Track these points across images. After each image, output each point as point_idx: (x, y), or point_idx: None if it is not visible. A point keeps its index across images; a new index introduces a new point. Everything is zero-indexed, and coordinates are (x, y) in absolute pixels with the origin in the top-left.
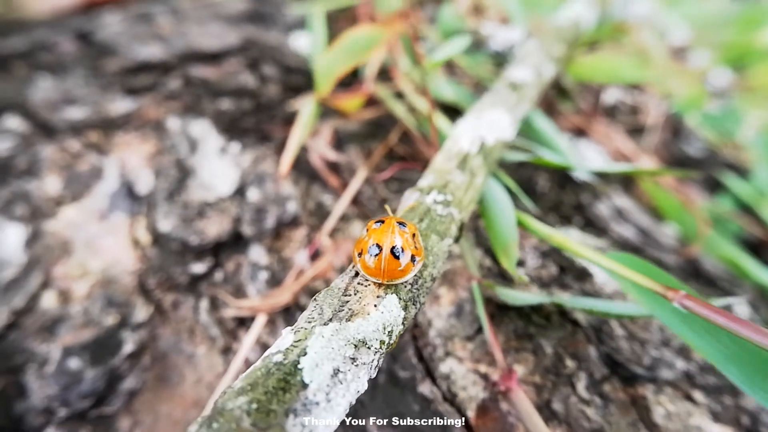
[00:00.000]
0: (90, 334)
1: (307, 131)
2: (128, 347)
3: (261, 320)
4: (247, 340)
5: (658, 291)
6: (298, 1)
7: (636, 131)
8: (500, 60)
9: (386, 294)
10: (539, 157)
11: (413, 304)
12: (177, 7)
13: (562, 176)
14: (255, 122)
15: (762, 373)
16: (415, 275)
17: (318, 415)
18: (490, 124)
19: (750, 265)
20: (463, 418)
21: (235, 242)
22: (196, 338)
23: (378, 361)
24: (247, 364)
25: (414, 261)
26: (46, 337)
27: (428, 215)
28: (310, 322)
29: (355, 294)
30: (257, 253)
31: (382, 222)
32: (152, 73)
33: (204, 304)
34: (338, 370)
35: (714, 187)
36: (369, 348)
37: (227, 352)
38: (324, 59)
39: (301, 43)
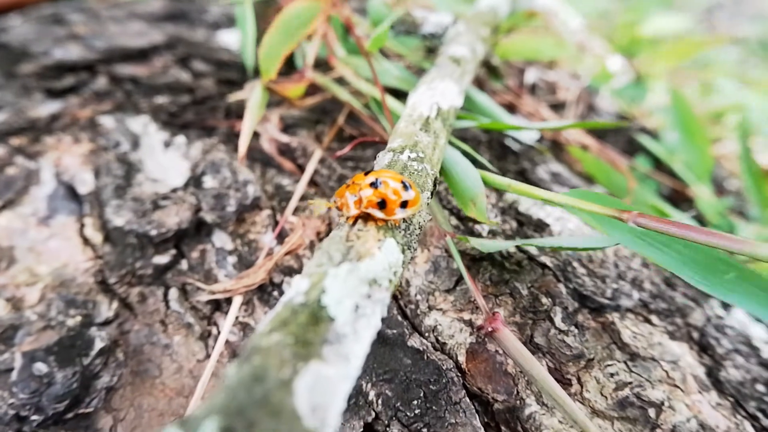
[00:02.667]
0: (52, 336)
1: (258, 115)
2: (98, 345)
3: (237, 301)
4: (227, 322)
5: (614, 215)
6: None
7: (555, 107)
8: (435, 42)
9: (385, 238)
10: (494, 120)
11: (408, 249)
12: (86, 7)
13: (500, 147)
14: (196, 116)
15: (713, 269)
16: (406, 220)
17: (347, 344)
18: (442, 92)
19: (672, 212)
20: (454, 364)
21: (196, 230)
22: (170, 328)
23: (388, 298)
24: (230, 346)
25: (406, 206)
26: (4, 346)
27: (406, 170)
28: (320, 266)
29: (357, 239)
30: (222, 239)
31: (370, 171)
32: (74, 73)
33: (173, 293)
34: (358, 306)
35: (630, 152)
36: (380, 286)
37: (206, 336)
38: (267, 41)
39: (229, 39)
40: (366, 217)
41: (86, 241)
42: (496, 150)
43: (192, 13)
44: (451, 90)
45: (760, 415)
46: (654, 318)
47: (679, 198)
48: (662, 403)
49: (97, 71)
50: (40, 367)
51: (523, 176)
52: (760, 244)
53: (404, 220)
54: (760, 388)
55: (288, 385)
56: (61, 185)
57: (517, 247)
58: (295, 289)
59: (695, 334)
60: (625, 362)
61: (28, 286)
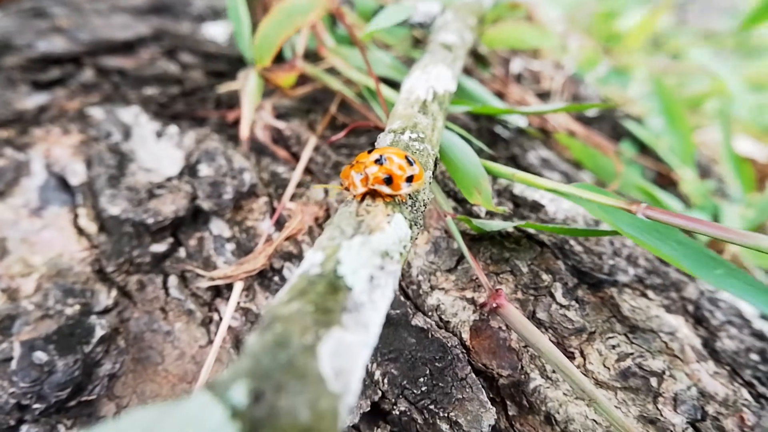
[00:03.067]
0: (51, 325)
1: (256, 100)
2: (98, 332)
3: (239, 287)
4: (229, 308)
5: (622, 207)
6: None
7: (541, 95)
8: (424, 31)
9: (393, 213)
10: (485, 105)
11: (415, 224)
12: (67, 0)
13: (489, 134)
14: (186, 106)
15: (704, 264)
16: (412, 196)
17: (365, 312)
18: (436, 77)
19: (660, 194)
20: (459, 341)
21: (193, 218)
22: (170, 315)
23: (399, 271)
24: (232, 331)
25: (411, 180)
26: (1, 336)
27: (408, 150)
28: (333, 239)
29: (367, 214)
30: (219, 226)
31: (374, 149)
32: (60, 66)
33: (173, 280)
34: (372, 276)
35: (615, 138)
36: (392, 258)
37: (207, 323)
38: (263, 29)
39: (215, 31)
40: (374, 194)
41: (80, 231)
42: (486, 137)
43: (176, 6)
44: (444, 75)
45: (755, 382)
46: (650, 293)
47: (664, 181)
48: (663, 373)
49: (83, 63)
50: (40, 356)
51: (515, 162)
52: (762, 237)
53: (410, 196)
54: (754, 357)
55: (312, 350)
56: (52, 176)
57: (516, 227)
58: (310, 261)
59: (690, 307)
60: (626, 334)
61: (22, 277)
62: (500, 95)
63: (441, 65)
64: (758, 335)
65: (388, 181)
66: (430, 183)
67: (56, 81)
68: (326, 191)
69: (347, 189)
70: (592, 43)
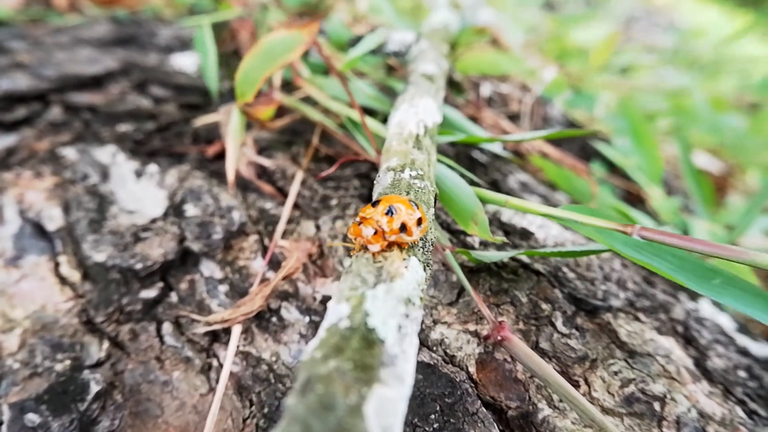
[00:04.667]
0: (41, 384)
1: (240, 138)
2: (93, 388)
3: (237, 330)
4: (229, 353)
5: (618, 229)
6: (167, 23)
7: (511, 118)
8: (399, 60)
9: (409, 257)
10: (470, 135)
11: (427, 266)
12: (25, 34)
13: (467, 159)
14: (162, 142)
15: (702, 275)
16: (422, 238)
17: (400, 364)
18: (424, 109)
19: (633, 213)
20: (467, 375)
21: (182, 261)
22: (167, 364)
23: (421, 316)
24: (233, 377)
25: (420, 223)
26: None
27: (411, 189)
28: (355, 288)
29: (385, 260)
30: (210, 268)
31: (378, 201)
32: (25, 104)
33: (167, 327)
34: (400, 326)
35: (584, 158)
36: (414, 304)
37: (206, 369)
38: (246, 65)
39: (184, 62)
40: (390, 245)
41: (63, 280)
42: (464, 162)
43: (142, 37)
44: (431, 107)
45: (746, 399)
46: (641, 315)
47: (633, 199)
48: (665, 396)
49: (50, 101)
50: (33, 418)
51: (496, 187)
52: (758, 254)
53: (421, 238)
54: (742, 373)
55: (358, 411)
56: (26, 223)
57: (511, 257)
58: (336, 313)
59: (679, 328)
60: (625, 360)
61: (4, 333)
62: (474, 119)
63: (426, 97)
64: (742, 352)
65: (403, 228)
66: (432, 220)
67: (22, 120)
68: (317, 227)
69: (365, 248)
70: (558, 68)
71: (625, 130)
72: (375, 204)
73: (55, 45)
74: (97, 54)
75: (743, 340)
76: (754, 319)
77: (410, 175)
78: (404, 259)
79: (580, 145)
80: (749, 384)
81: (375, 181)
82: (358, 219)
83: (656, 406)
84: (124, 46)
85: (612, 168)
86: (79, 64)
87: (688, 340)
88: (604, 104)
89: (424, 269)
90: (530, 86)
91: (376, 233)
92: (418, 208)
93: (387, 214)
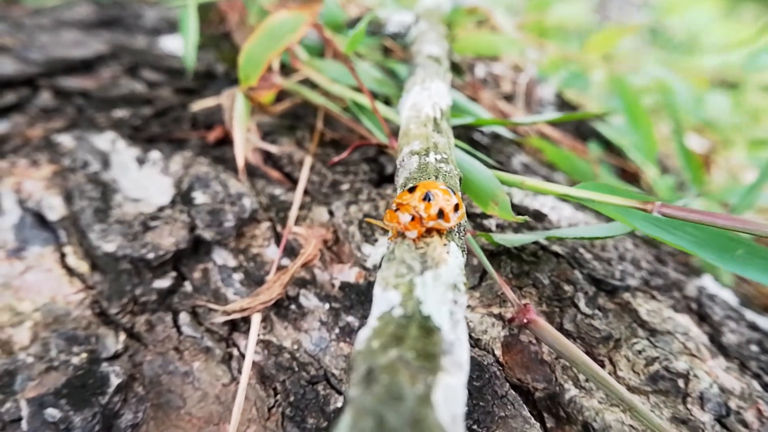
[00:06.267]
0: (59, 378)
1: (246, 124)
2: (114, 381)
3: (257, 319)
4: (250, 342)
5: (637, 207)
6: (152, 4)
7: (505, 98)
8: (398, 42)
9: (449, 242)
10: (479, 118)
11: (464, 251)
12: (2, 14)
13: (469, 141)
14: (161, 128)
15: (724, 247)
16: (458, 224)
17: (457, 351)
18: (436, 92)
19: (634, 192)
20: (494, 359)
21: (194, 250)
22: (186, 354)
23: (466, 301)
24: (255, 366)
25: (457, 209)
26: (3, 395)
27: (439, 173)
28: (402, 276)
29: (427, 246)
30: (222, 256)
31: (414, 188)
32: (13, 89)
33: (184, 317)
34: (452, 312)
35: (580, 137)
36: (459, 290)
37: (227, 359)
38: (249, 48)
39: (175, 45)
40: (428, 231)
41: (71, 271)
42: (466, 144)
43: (127, 19)
44: (442, 89)
45: (761, 372)
46: (657, 294)
47: (628, 177)
48: (688, 373)
49: (39, 86)
50: (53, 413)
51: (503, 169)
52: None
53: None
54: (754, 348)
55: (427, 400)
56: (27, 213)
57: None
58: (387, 301)
59: (693, 305)
60: (648, 338)
61: (13, 327)
62: (473, 101)
63: (437, 79)
64: (752, 326)
65: (441, 214)
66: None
67: (12, 107)
68: (330, 212)
69: (401, 234)
70: (549, 49)
71: (619, 109)
72: (411, 190)
73: (37, 27)
74: (82, 36)
75: (750, 315)
76: (756, 293)
77: (435, 159)
78: (444, 245)
79: (575, 125)
80: (762, 358)
81: (398, 165)
82: (394, 205)
83: (680, 383)
84: (109, 28)
85: (607, 147)
86: (66, 48)
87: (702, 317)
88: (597, 84)
89: (462, 254)
90: (523, 66)
91: (413, 219)
92: (454, 194)
93: (424, 200)
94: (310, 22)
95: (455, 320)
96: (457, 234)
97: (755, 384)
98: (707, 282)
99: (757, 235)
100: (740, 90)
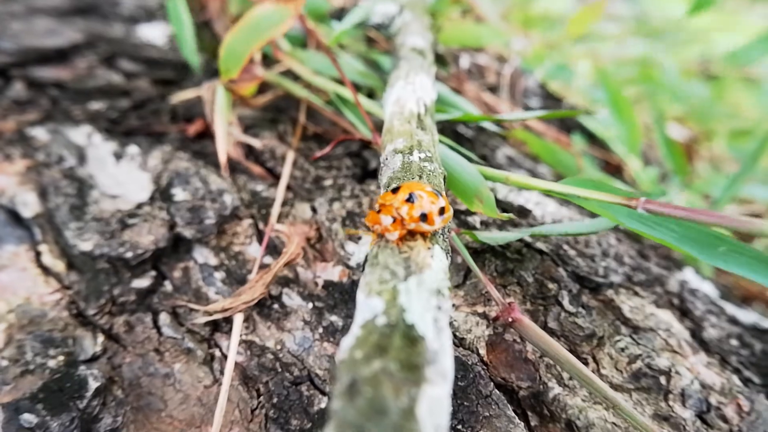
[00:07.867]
0: (35, 382)
1: (228, 118)
2: (92, 384)
3: (239, 319)
4: (232, 343)
5: (621, 203)
6: None
7: (489, 89)
8: (382, 33)
9: (433, 245)
10: (465, 112)
11: (448, 253)
12: None
13: (453, 134)
14: (140, 121)
15: (707, 244)
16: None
17: (441, 360)
18: (420, 86)
19: (617, 185)
20: (478, 358)
21: (174, 248)
22: (167, 355)
23: (451, 307)
24: (238, 367)
25: (443, 212)
26: None
27: (423, 172)
28: (385, 282)
29: (410, 249)
30: (203, 254)
31: (398, 188)
32: None
33: (164, 318)
34: (436, 319)
35: (564, 130)
36: (444, 295)
37: (209, 360)
38: (231, 40)
39: (152, 34)
40: (410, 233)
41: (46, 270)
42: (450, 137)
43: (103, 7)
44: (426, 83)
45: (741, 367)
46: (639, 290)
47: (611, 169)
48: (670, 370)
49: (12, 76)
50: (29, 418)
51: (487, 162)
52: (765, 222)
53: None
54: (734, 342)
55: (411, 414)
56: (0, 210)
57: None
58: (370, 309)
59: (675, 300)
60: (630, 336)
61: None
62: (457, 92)
63: (421, 73)
64: (732, 320)
65: (424, 218)
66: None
67: None
68: (313, 209)
69: (381, 236)
70: (532, 38)
71: (603, 100)
72: (395, 191)
73: (8, 14)
74: (56, 24)
75: (730, 308)
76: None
77: (419, 157)
78: (428, 248)
79: (559, 117)
80: (742, 352)
81: (382, 163)
82: (376, 206)
83: (662, 380)
84: (84, 16)
85: (591, 139)
86: (39, 36)
87: (683, 312)
88: (581, 75)
89: (446, 257)
90: (507, 57)
91: (394, 221)
92: (441, 196)
93: (407, 201)
94: (294, 16)
95: (439, 327)
96: (442, 236)
97: (735, 379)
98: (689, 275)
99: (737, 230)
100: (721, 81)
